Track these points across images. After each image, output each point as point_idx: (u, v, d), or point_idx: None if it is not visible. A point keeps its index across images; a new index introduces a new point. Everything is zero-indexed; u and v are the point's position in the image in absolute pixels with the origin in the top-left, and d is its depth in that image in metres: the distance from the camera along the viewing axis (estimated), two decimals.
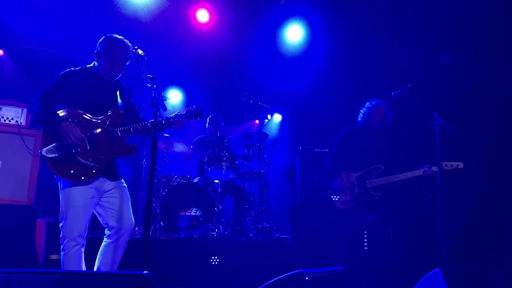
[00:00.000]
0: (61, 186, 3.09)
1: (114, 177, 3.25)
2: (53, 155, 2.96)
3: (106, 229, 3.25)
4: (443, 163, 4.14)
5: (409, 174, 4.34)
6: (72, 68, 3.22)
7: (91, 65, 3.30)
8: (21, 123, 4.28)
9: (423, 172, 4.26)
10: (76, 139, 2.98)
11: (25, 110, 4.34)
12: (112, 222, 3.19)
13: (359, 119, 4.85)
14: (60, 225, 3.06)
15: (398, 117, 5.00)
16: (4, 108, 4.26)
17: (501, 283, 2.85)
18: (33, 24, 6.40)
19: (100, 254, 3.21)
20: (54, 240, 4.84)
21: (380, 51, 6.22)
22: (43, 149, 2.97)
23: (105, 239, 3.24)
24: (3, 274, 1.76)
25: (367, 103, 4.81)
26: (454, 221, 4.70)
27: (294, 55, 7.34)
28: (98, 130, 3.13)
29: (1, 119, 4.25)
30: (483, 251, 4.63)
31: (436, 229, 3.88)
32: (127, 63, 3.24)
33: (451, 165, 4.15)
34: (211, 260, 4.60)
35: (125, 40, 3.23)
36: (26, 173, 4.19)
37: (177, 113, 3.41)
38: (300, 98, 7.85)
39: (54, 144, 2.99)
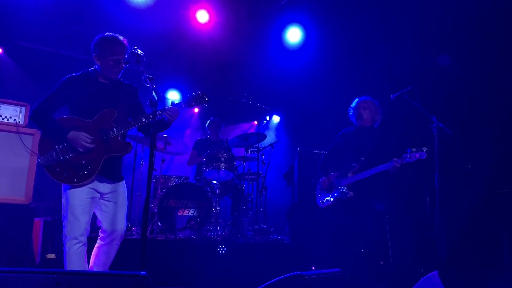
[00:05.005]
0: (63, 188, 3.19)
1: (112, 177, 3.29)
2: (49, 163, 3.08)
3: (100, 230, 3.33)
4: (412, 149, 4.03)
5: (376, 170, 4.20)
6: (73, 74, 3.27)
7: (92, 68, 3.33)
8: (19, 121, 4.26)
9: (388, 166, 4.14)
10: (89, 144, 3.10)
11: (23, 108, 4.32)
12: (105, 226, 3.28)
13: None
14: (62, 225, 3.15)
15: (397, 120, 5.00)
16: (3, 106, 4.22)
17: (498, 285, 2.86)
18: (32, 22, 6.38)
19: (93, 255, 3.31)
20: (51, 239, 4.83)
21: (379, 53, 6.22)
22: (40, 159, 3.09)
23: (98, 241, 3.34)
24: (0, 274, 1.75)
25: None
26: (452, 222, 4.70)
27: (293, 56, 7.34)
28: (91, 132, 3.15)
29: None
30: (480, 253, 4.63)
31: (434, 230, 3.88)
32: (126, 57, 3.27)
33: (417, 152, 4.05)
34: (209, 261, 4.60)
35: (116, 35, 3.28)
36: (23, 172, 4.17)
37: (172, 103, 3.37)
38: (299, 99, 7.85)
39: (50, 152, 3.09)
